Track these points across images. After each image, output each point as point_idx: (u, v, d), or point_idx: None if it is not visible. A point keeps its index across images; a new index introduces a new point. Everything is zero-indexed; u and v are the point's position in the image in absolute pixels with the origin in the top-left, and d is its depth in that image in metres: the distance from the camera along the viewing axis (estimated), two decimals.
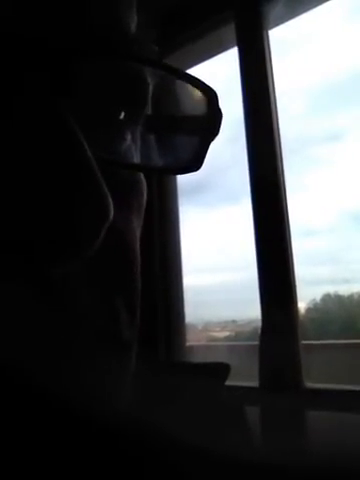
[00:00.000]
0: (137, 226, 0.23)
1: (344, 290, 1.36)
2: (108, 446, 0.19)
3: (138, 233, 0.23)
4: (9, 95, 0.17)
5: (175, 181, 1.45)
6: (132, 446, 0.21)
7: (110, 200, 0.17)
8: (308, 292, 1.34)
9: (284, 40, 1.33)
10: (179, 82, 0.21)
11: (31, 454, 0.17)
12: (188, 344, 1.41)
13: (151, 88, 0.22)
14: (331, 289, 1.37)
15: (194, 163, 0.21)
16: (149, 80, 0.22)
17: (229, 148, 1.41)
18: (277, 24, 1.26)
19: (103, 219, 0.17)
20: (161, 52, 0.22)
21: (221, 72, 1.46)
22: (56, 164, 0.16)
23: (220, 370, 0.30)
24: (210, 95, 0.21)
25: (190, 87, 0.21)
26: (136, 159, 0.23)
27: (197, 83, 0.21)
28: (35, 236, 0.16)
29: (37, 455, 0.17)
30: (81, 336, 0.18)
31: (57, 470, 0.17)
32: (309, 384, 1.12)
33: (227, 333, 1.61)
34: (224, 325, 1.60)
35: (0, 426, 0.16)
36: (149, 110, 0.23)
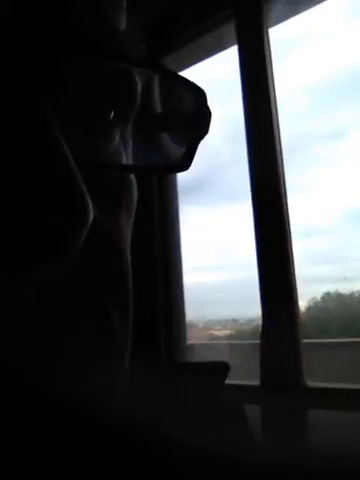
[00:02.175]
0: (127, 226, 0.23)
1: (344, 288, 1.36)
2: (107, 445, 0.19)
3: (128, 233, 0.23)
4: None
5: (175, 180, 1.45)
6: (131, 445, 0.21)
7: (90, 204, 0.17)
8: (309, 291, 1.34)
9: (285, 38, 1.33)
10: (168, 81, 0.21)
11: (27, 453, 0.16)
12: (189, 343, 1.41)
13: (140, 87, 0.22)
14: (331, 288, 1.37)
15: (183, 162, 0.21)
16: (137, 79, 0.22)
17: (229, 147, 1.41)
18: (278, 22, 1.26)
19: (82, 224, 0.16)
20: (160, 51, 0.22)
21: (221, 70, 1.46)
22: (35, 170, 0.16)
23: (219, 369, 0.30)
24: (198, 94, 0.21)
25: (179, 86, 0.21)
26: (125, 159, 0.23)
27: (185, 83, 0.21)
28: (13, 240, 0.16)
29: (34, 454, 0.17)
30: (73, 336, 0.18)
31: (55, 469, 0.17)
32: (310, 383, 1.12)
33: (228, 332, 1.61)
34: (225, 324, 1.60)
35: None
36: (138, 109, 0.23)
